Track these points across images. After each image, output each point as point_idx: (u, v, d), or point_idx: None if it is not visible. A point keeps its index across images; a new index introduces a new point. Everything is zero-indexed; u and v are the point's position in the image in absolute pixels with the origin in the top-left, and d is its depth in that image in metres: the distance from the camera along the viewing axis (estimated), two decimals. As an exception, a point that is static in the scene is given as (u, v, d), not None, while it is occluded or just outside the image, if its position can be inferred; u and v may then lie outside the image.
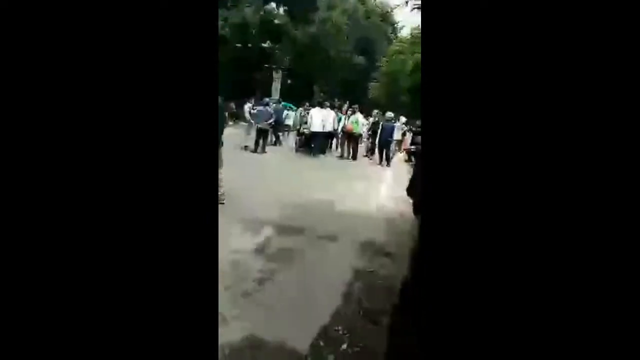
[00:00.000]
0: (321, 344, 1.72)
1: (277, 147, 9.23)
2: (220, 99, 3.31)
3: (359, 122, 8.71)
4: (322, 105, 9.17)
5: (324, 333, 1.81)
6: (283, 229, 3.19)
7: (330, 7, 21.20)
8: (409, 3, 8.17)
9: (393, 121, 8.97)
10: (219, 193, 3.29)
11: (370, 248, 3.03)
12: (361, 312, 2.04)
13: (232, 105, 7.70)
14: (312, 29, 20.31)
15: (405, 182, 1.97)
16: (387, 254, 2.92)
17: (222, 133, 3.51)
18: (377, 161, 8.50)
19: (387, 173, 7.49)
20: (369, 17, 23.79)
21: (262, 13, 18.18)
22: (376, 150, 8.74)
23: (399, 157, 10.04)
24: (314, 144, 8.51)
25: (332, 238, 3.15)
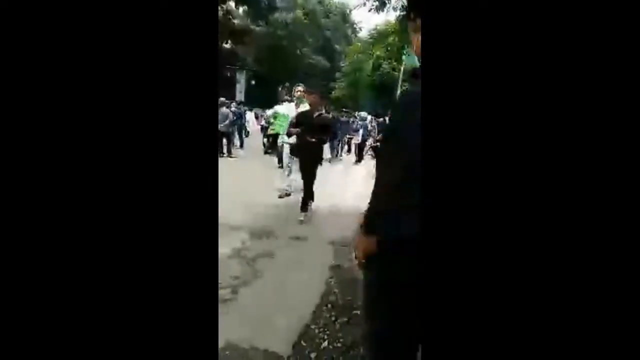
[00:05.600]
0: (303, 343, 1.74)
1: (242, 150, 9.01)
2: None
3: (286, 117, 4.91)
4: (283, 103, 8.16)
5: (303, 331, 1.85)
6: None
7: (290, 8, 21.20)
8: (366, 4, 8.32)
9: (352, 119, 7.72)
10: None
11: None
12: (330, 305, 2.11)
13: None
14: (273, 28, 20.20)
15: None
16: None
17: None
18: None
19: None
20: (328, 17, 24.06)
21: (221, 13, 17.83)
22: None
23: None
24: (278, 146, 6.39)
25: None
